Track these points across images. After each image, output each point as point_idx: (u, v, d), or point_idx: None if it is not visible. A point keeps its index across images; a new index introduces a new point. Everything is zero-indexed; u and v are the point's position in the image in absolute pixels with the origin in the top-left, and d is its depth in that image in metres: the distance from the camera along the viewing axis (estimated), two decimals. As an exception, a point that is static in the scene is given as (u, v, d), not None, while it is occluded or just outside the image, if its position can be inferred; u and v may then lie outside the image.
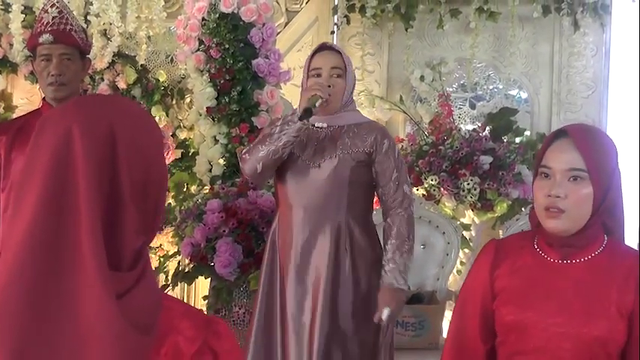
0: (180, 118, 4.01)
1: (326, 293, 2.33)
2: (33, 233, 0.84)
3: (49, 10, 2.59)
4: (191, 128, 3.88)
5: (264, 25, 3.44)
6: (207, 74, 3.41)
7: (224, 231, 2.95)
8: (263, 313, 2.43)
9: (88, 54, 2.71)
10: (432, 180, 3.74)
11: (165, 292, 3.42)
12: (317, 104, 2.28)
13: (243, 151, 2.42)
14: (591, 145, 1.55)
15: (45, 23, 2.56)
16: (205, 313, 3.15)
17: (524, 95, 4.41)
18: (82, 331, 0.82)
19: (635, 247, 1.89)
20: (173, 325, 0.92)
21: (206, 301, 3.15)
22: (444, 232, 3.59)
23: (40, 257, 0.84)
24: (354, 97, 2.54)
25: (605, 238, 1.60)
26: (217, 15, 3.37)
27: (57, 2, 2.62)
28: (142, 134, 0.93)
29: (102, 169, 0.87)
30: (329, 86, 2.36)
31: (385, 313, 2.28)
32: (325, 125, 2.44)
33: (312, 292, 2.36)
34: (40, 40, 2.53)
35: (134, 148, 0.91)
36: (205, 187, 3.45)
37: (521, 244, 1.65)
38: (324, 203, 2.37)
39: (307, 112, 2.26)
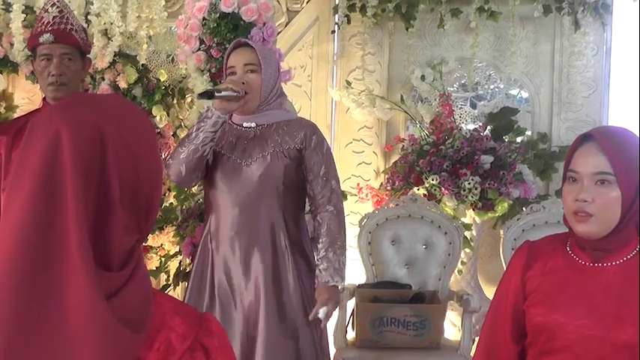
0: (182, 117, 4.01)
1: (268, 296, 2.32)
2: (22, 236, 0.84)
3: (50, 9, 2.59)
4: (192, 128, 3.88)
5: (264, 24, 3.43)
6: (207, 74, 3.40)
7: (225, 231, 2.95)
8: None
9: (89, 53, 2.71)
10: (432, 180, 3.74)
11: (167, 292, 3.42)
12: (223, 92, 2.28)
13: (168, 156, 2.40)
14: (617, 148, 1.54)
15: (45, 23, 2.55)
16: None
17: (525, 95, 4.41)
18: (71, 331, 0.83)
19: None
20: (165, 322, 0.92)
21: (207, 300, 3.15)
22: (446, 232, 3.59)
23: (29, 260, 0.84)
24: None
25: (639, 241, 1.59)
26: (218, 14, 3.36)
27: (57, 2, 2.62)
28: (131, 133, 0.93)
29: (90, 172, 0.87)
30: (243, 83, 2.34)
31: (321, 313, 2.29)
32: (254, 125, 2.43)
33: (254, 297, 2.34)
34: (41, 39, 2.52)
35: (123, 148, 0.91)
36: (206, 187, 3.44)
37: (553, 247, 1.66)
38: (259, 202, 2.36)
39: (205, 93, 2.28)
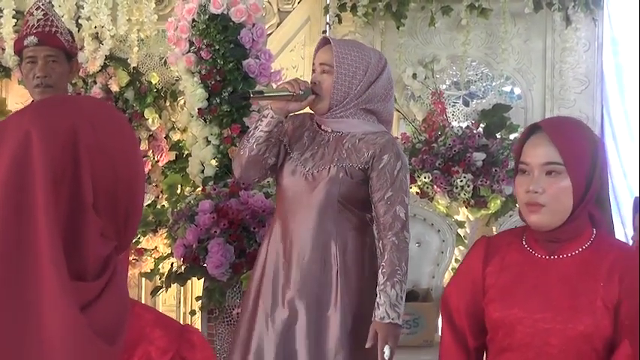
0: (174, 119, 4.02)
1: (307, 316, 2.21)
2: None
3: (35, 12, 2.60)
4: (184, 130, 3.89)
5: (254, 25, 3.44)
6: (197, 75, 3.41)
7: (215, 232, 2.95)
8: (249, 312, 2.32)
9: (75, 56, 2.71)
10: (425, 178, 3.74)
11: (158, 293, 3.42)
12: (277, 93, 2.23)
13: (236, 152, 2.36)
14: (566, 137, 1.56)
15: (30, 26, 2.56)
16: (199, 314, 3.16)
17: (517, 91, 4.41)
18: (45, 345, 0.80)
19: (625, 240, 1.89)
20: (144, 334, 0.89)
21: (199, 301, 3.16)
22: (438, 230, 3.58)
23: (1, 271, 0.81)
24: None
25: (594, 232, 1.60)
26: (207, 16, 3.37)
27: (42, 5, 2.63)
28: (109, 138, 0.89)
29: (62, 177, 0.84)
30: (314, 84, 2.24)
31: (387, 353, 2.11)
32: (330, 130, 2.28)
33: (296, 309, 2.23)
34: (25, 42, 2.53)
35: (99, 151, 0.87)
36: (198, 189, 3.45)
37: (510, 241, 1.66)
38: (315, 216, 2.22)
39: (238, 95, 2.21)
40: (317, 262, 2.23)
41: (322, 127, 2.30)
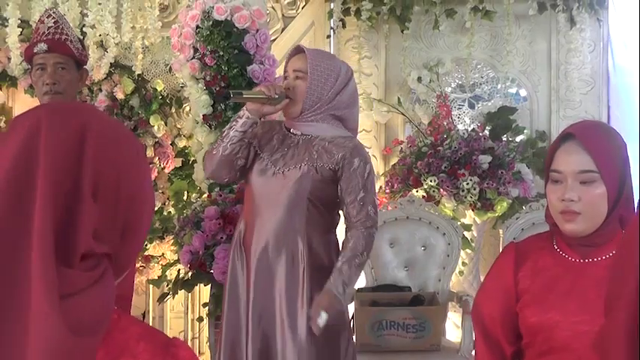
0: (179, 126, 4.03)
1: (282, 308, 2.32)
2: None
3: (45, 20, 2.61)
4: (190, 136, 3.90)
5: (257, 31, 3.44)
6: (202, 82, 3.42)
7: (222, 238, 2.96)
8: (232, 322, 2.41)
9: (85, 65, 2.72)
10: (431, 181, 3.74)
11: (165, 300, 3.43)
12: (250, 94, 2.35)
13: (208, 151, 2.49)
14: (599, 144, 1.55)
15: (41, 33, 2.58)
16: (206, 320, 3.15)
17: (523, 93, 4.40)
18: (28, 337, 0.81)
19: None
20: (127, 348, 0.88)
21: (206, 308, 3.16)
22: (444, 233, 3.58)
23: (2, 259, 0.83)
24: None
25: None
26: (211, 22, 3.37)
27: (53, 13, 2.64)
28: (115, 149, 0.91)
29: (65, 164, 0.86)
30: (287, 89, 2.37)
31: (323, 318, 2.20)
32: (299, 133, 2.42)
33: (269, 305, 2.34)
34: (35, 49, 2.55)
35: (104, 151, 0.89)
36: (204, 195, 3.45)
37: (540, 245, 1.66)
38: (284, 213, 2.34)
39: (228, 94, 2.34)
40: (285, 259, 2.33)
41: (292, 131, 2.44)
